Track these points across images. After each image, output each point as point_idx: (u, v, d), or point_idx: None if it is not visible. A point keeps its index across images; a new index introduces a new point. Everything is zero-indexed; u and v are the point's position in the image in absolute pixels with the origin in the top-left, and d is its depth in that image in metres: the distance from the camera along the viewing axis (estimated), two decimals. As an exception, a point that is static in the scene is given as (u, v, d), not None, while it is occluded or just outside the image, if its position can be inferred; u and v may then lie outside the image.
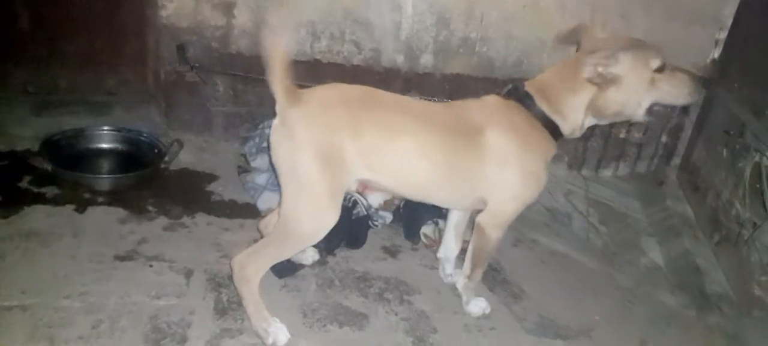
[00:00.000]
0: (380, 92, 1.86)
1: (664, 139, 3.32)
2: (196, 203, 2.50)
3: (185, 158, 2.80)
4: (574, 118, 1.87)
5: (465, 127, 1.83)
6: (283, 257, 1.87)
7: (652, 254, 2.66)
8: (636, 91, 1.81)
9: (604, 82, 1.79)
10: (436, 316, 2.07)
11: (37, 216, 2.25)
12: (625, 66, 1.78)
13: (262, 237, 2.07)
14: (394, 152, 1.78)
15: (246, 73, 2.82)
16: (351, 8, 2.79)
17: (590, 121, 1.91)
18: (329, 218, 1.77)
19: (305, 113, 1.71)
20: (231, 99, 2.90)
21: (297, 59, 2.87)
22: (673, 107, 1.92)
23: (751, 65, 2.86)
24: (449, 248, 2.23)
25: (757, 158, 2.55)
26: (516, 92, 1.90)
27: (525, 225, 2.70)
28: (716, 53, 3.13)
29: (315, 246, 2.20)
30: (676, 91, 1.84)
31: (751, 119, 2.65)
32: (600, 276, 2.47)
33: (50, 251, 2.08)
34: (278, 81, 1.65)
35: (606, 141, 3.23)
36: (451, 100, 2.95)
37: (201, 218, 2.41)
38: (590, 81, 1.80)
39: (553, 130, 1.87)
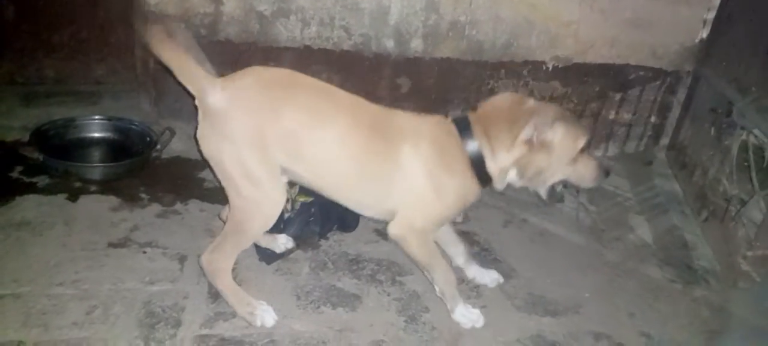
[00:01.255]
0: (303, 76, 1.79)
1: (652, 119, 3.35)
2: (189, 190, 2.51)
3: (177, 146, 2.79)
4: (502, 161, 1.81)
5: (390, 132, 1.77)
6: (244, 245, 1.88)
7: (640, 231, 2.69)
8: (559, 161, 1.82)
9: (535, 146, 1.78)
10: (428, 296, 2.10)
11: (28, 206, 2.26)
12: (557, 135, 1.78)
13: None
14: (313, 140, 1.71)
15: (235, 60, 2.81)
16: (340, -7, 2.79)
17: (512, 176, 1.87)
18: (275, 197, 1.76)
19: (224, 99, 1.67)
20: (221, 86, 2.89)
21: (287, 46, 2.86)
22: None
23: (737, 44, 2.89)
24: (444, 241, 2.16)
25: (743, 136, 2.58)
26: (458, 118, 1.87)
27: (515, 206, 2.73)
28: (704, 33, 3.15)
29: (288, 234, 2.21)
30: (586, 174, 1.88)
31: (738, 97, 2.68)
32: (588, 253, 2.50)
33: (42, 240, 2.09)
34: (186, 75, 1.66)
35: (595, 122, 3.25)
36: (439, 85, 3.01)
37: (193, 205, 2.42)
38: (524, 142, 1.78)
39: (479, 166, 1.82)
